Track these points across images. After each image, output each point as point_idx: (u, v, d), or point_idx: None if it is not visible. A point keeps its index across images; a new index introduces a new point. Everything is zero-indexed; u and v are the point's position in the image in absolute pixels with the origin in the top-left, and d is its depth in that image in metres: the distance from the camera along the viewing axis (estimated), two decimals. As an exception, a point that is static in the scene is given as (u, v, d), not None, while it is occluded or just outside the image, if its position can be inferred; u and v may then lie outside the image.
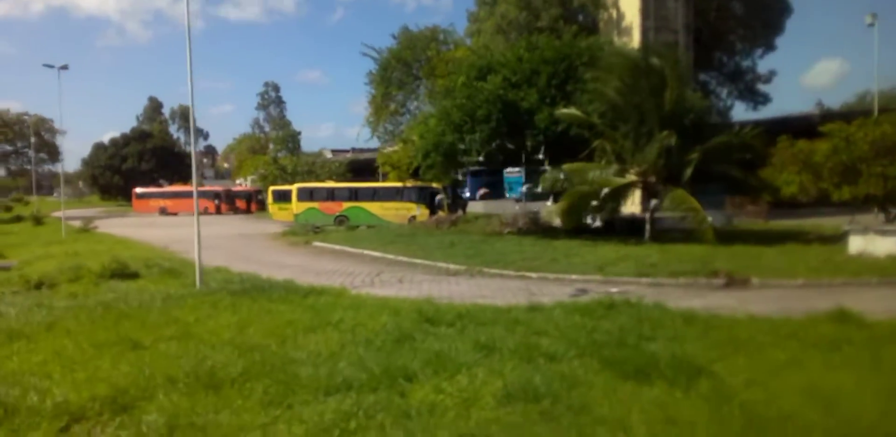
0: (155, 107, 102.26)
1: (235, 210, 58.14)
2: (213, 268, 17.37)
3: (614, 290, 14.06)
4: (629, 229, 21.83)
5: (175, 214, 57.86)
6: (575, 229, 22.94)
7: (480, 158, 22.92)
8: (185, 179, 79.64)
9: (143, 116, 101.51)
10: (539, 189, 27.01)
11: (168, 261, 18.96)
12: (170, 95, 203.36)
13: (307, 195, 36.25)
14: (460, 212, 33.07)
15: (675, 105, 20.39)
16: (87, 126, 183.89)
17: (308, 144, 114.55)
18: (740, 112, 41.31)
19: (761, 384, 6.27)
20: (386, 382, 6.68)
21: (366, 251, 21.82)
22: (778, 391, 6.03)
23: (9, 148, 60.26)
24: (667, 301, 12.35)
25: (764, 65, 47.08)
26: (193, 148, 17.80)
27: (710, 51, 38.02)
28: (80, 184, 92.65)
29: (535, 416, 5.55)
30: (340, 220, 35.17)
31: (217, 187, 60.70)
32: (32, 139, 55.23)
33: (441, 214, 32.71)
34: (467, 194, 49.09)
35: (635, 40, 31.22)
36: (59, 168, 62.96)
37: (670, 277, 15.15)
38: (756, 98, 40.01)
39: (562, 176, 21.05)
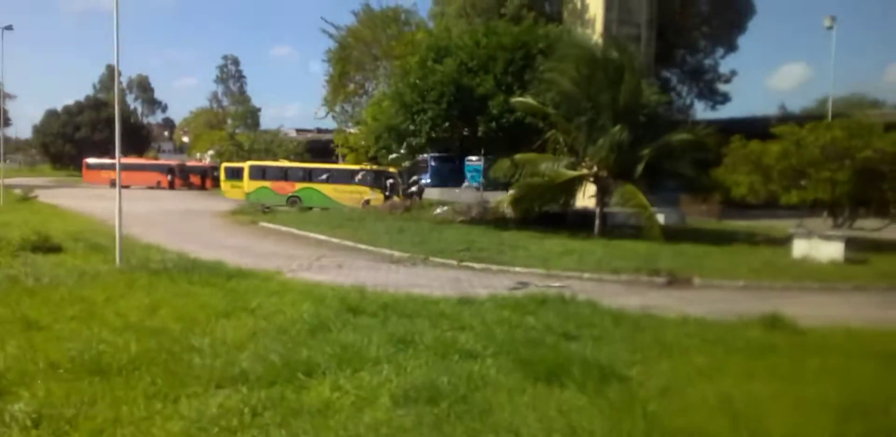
0: (112, 75, 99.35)
1: (190, 186, 56.73)
2: (144, 245, 16.71)
3: (555, 284, 13.81)
4: (580, 223, 21.66)
5: (127, 186, 56.27)
6: (525, 221, 22.75)
7: (430, 138, 22.17)
8: (140, 151, 77.85)
9: (100, 84, 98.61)
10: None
11: (100, 236, 18.17)
12: (131, 63, 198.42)
13: (259, 174, 35.42)
14: (416, 198, 32.62)
15: (631, 99, 20.19)
16: (47, 93, 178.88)
17: (274, 123, 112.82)
18: (700, 111, 41.31)
19: (675, 392, 6.01)
20: (285, 376, 6.27)
21: (311, 234, 21.28)
22: (689, 400, 5.77)
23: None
24: (604, 299, 12.11)
25: (727, 65, 47.45)
26: (118, 118, 17.08)
27: (673, 47, 38.05)
28: (33, 152, 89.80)
29: (430, 419, 5.19)
30: (293, 200, 34.46)
31: (171, 162, 59.19)
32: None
33: (396, 199, 32.22)
34: (427, 181, 48.67)
35: (598, 32, 31.02)
36: (8, 134, 60.75)
37: (612, 273, 14.98)
38: (715, 97, 40.28)
39: (514, 166, 20.72)
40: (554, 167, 20.17)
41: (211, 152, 58.33)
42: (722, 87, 40.41)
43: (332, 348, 7.13)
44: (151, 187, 55.95)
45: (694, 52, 39.04)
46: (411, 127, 21.78)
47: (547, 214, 23.58)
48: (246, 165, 36.92)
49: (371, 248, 18.47)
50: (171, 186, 55.63)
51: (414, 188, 32.77)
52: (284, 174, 35.34)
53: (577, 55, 19.76)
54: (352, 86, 33.81)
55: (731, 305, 11.96)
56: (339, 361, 6.70)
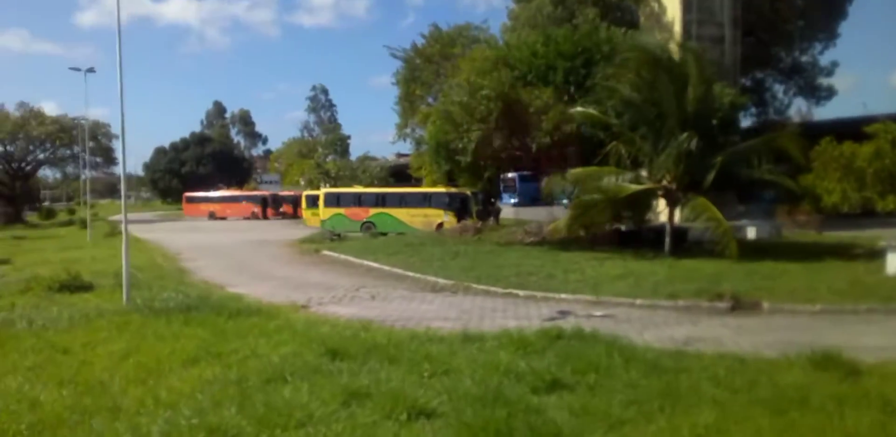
0: (219, 111, 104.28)
1: (283, 215, 57.89)
2: (185, 280, 16.49)
3: (598, 313, 12.42)
4: (656, 240, 19.88)
5: (224, 218, 58.17)
6: (597, 240, 21.24)
7: (477, 156, 20.99)
8: (242, 182, 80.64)
9: (207, 120, 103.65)
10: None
11: (150, 270, 18.18)
12: (239, 99, 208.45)
13: (334, 201, 35.31)
14: (492, 220, 31.47)
15: (700, 104, 18.40)
16: (164, 131, 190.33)
17: (372, 150, 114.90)
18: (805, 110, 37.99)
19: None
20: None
21: (365, 262, 20.59)
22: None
23: (67, 152, 61.53)
24: (647, 330, 10.78)
25: (833, 56, 43.57)
26: (123, 156, 16.99)
27: (766, 45, 35.31)
28: (143, 188, 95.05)
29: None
30: (367, 226, 34.03)
31: (265, 192, 60.68)
32: (89, 143, 56.42)
33: (469, 221, 31.19)
34: (514, 200, 47.28)
35: (677, 35, 29.11)
36: (116, 171, 64.35)
37: (669, 298, 13.34)
38: (818, 93, 36.93)
39: (572, 182, 19.28)
40: (615, 181, 18.59)
41: (303, 182, 59.40)
42: (827, 81, 37.09)
43: (267, 406, 6.19)
44: (247, 218, 57.56)
45: (790, 47, 35.81)
46: (459, 145, 20.78)
47: (620, 232, 21.96)
48: (321, 192, 36.97)
49: (417, 275, 17.54)
50: (265, 215, 56.91)
51: (490, 209, 31.64)
52: (358, 200, 35.02)
53: (638, 59, 18.18)
54: (423, 107, 33.15)
55: (796, 334, 10.24)
56: (260, 424, 5.74)
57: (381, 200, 34.55)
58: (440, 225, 32.40)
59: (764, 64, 36.24)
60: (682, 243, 20.01)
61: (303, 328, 10.06)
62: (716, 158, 17.73)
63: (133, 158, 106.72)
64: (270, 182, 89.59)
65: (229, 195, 61.26)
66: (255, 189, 75.02)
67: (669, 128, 18.13)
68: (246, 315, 11.06)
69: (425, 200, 33.59)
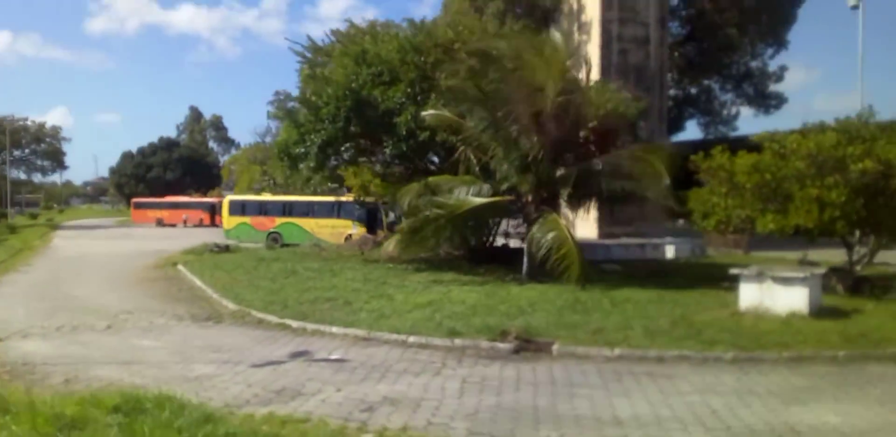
0: (195, 117, 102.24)
1: (231, 222, 55.60)
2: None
3: (334, 356, 9.98)
4: (509, 260, 17.44)
5: (173, 225, 56.00)
6: (473, 257, 18.85)
7: (322, 162, 18.51)
8: (209, 189, 78.27)
9: (184, 125, 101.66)
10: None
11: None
12: (214, 103, 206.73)
13: (239, 209, 32.83)
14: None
15: (560, 108, 15.89)
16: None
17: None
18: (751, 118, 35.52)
19: None
20: None
21: (197, 281, 18.15)
22: None
23: (16, 153, 59.64)
24: (365, 382, 8.61)
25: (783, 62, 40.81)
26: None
27: (713, 51, 32.75)
28: (110, 193, 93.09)
29: None
30: (274, 237, 31.60)
31: (213, 199, 58.33)
32: (41, 146, 54.59)
33: (380, 233, 28.77)
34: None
35: (595, 35, 26.70)
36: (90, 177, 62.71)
37: (448, 336, 10.85)
38: (767, 102, 34.29)
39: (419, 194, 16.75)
40: (462, 193, 16.11)
41: (254, 188, 57.04)
42: (776, 88, 34.48)
43: None
44: (197, 225, 55.33)
45: (730, 50, 33.00)
46: (300, 149, 18.31)
47: (486, 249, 19.54)
48: (226, 199, 34.47)
49: (219, 297, 15.19)
50: (213, 222, 54.60)
51: (395, 220, 29.17)
52: (264, 209, 32.53)
53: (472, 53, 15.72)
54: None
55: (545, 396, 7.89)
56: None
57: (288, 210, 32.11)
58: (349, 237, 29.99)
59: (710, 70, 33.67)
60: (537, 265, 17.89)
61: None
62: (569, 170, 15.24)
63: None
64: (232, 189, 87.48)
65: (178, 202, 59.02)
66: (220, 195, 72.78)
67: (521, 133, 15.64)
68: None
69: (334, 211, 31.19)
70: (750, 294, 12.19)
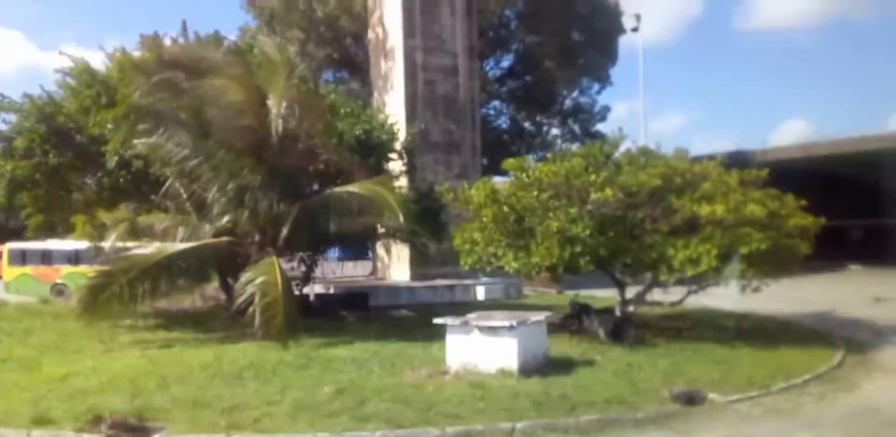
0: None
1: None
2: None
3: None
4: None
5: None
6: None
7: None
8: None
9: None
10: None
11: None
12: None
13: (19, 258, 28.78)
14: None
15: (289, 132, 13.73)
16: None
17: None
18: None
19: None
20: None
21: None
22: None
23: None
24: None
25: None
26: None
27: (531, 83, 31.95)
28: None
29: None
30: (59, 290, 27.60)
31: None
32: None
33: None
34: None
35: (399, 64, 25.15)
36: None
37: (30, 425, 8.11)
38: (595, 139, 33.69)
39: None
40: (179, 236, 13.57)
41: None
42: (601, 127, 34.09)
43: None
44: None
45: (553, 84, 32.31)
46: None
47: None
48: (5, 247, 30.15)
49: None
50: None
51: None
52: (47, 257, 28.53)
53: (174, 64, 13.41)
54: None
55: None
56: None
57: (74, 258, 28.20)
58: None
59: (534, 105, 32.81)
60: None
61: None
62: (291, 208, 13.01)
63: None
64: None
65: None
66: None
67: (239, 163, 13.32)
68: None
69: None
70: (457, 348, 10.21)
